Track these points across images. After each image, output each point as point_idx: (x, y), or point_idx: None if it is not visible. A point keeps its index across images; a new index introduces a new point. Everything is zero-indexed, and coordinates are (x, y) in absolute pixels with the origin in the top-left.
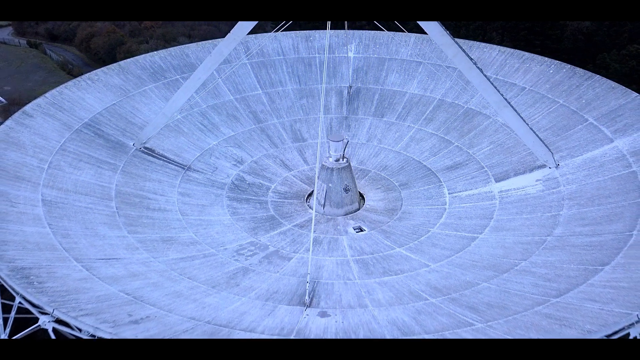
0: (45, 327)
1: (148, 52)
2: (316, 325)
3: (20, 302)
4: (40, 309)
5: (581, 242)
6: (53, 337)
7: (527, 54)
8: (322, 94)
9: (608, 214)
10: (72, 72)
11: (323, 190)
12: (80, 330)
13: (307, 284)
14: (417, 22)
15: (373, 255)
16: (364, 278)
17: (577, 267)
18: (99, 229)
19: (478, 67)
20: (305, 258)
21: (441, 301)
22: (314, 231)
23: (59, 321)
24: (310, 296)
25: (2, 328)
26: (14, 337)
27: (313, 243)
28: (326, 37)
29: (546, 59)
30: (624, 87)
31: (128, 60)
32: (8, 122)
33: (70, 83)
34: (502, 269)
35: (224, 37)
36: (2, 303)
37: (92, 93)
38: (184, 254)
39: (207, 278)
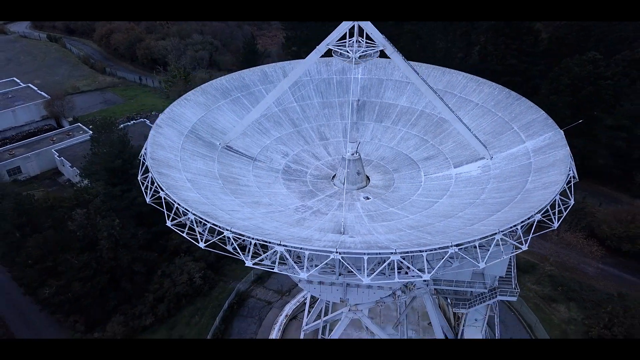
0: (229, 235)
1: (165, 48)
2: (349, 240)
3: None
4: (223, 227)
5: (492, 202)
6: (234, 245)
7: (481, 79)
8: (350, 107)
9: (511, 186)
10: (94, 67)
11: (344, 173)
12: (246, 237)
13: (342, 221)
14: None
15: (376, 212)
16: (371, 223)
17: (486, 214)
18: (220, 196)
19: (440, 97)
20: (335, 214)
21: (413, 231)
22: (339, 199)
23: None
24: (344, 229)
25: (200, 240)
26: (205, 247)
27: (338, 206)
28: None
29: (494, 83)
30: (537, 107)
31: (206, 84)
32: (152, 132)
33: (175, 103)
34: (448, 216)
35: (232, 32)
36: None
37: (189, 109)
38: (267, 209)
39: (285, 221)
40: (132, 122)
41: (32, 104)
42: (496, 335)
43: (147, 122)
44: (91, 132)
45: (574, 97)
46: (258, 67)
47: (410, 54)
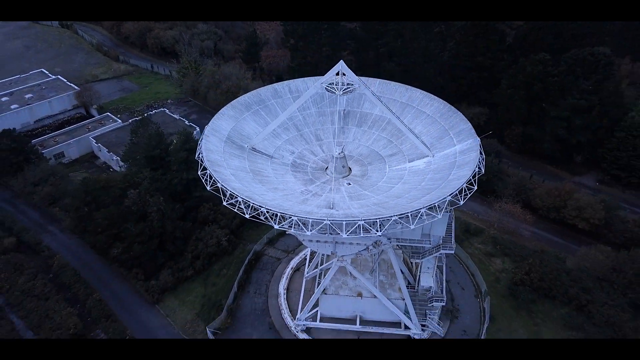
0: (263, 210)
1: (173, 38)
2: (335, 212)
3: (251, 205)
4: (260, 205)
5: (427, 187)
6: (267, 216)
7: (433, 95)
8: (338, 115)
9: (440, 176)
10: (108, 54)
11: (333, 165)
12: (274, 211)
13: (332, 200)
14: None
15: (354, 194)
16: (350, 201)
17: (422, 194)
18: (254, 184)
19: (397, 116)
20: (327, 196)
21: (375, 207)
22: (330, 185)
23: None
24: (332, 205)
25: (246, 212)
26: (249, 217)
27: (329, 190)
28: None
29: (442, 100)
30: (466, 119)
31: (234, 101)
32: (203, 140)
33: (215, 117)
34: (399, 197)
35: (232, 25)
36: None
37: (224, 121)
38: (284, 193)
39: (295, 201)
40: (153, 111)
41: (65, 95)
42: (444, 277)
43: (167, 111)
44: (120, 120)
45: (527, 92)
46: (270, 85)
47: (393, 50)
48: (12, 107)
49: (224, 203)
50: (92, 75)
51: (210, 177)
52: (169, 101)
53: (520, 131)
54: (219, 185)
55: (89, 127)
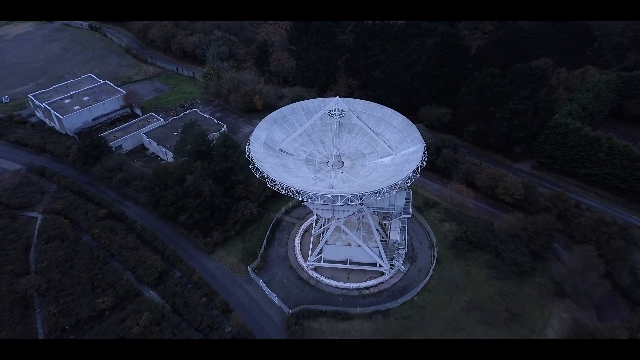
0: (293, 190)
1: (194, 43)
2: (334, 190)
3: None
4: (290, 187)
5: (389, 175)
6: (294, 192)
7: (399, 113)
8: (334, 126)
9: (398, 169)
10: (137, 57)
11: (332, 161)
12: (299, 190)
13: (332, 183)
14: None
15: (345, 179)
16: (343, 184)
17: (386, 179)
18: (283, 174)
19: (373, 130)
20: (329, 180)
21: (358, 187)
22: (330, 174)
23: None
24: (332, 186)
25: (282, 190)
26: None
27: (330, 177)
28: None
29: (404, 116)
30: (417, 130)
31: (266, 117)
32: (251, 145)
33: (255, 128)
34: (372, 181)
35: (241, 24)
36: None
37: (261, 131)
38: (302, 179)
39: (310, 184)
40: (187, 111)
41: (115, 98)
42: (406, 233)
43: (198, 111)
44: (162, 119)
45: (480, 97)
46: (289, 105)
47: (379, 61)
48: (75, 108)
49: (268, 185)
50: (128, 77)
51: (259, 169)
52: (196, 101)
53: (475, 128)
54: (264, 174)
55: (139, 124)
